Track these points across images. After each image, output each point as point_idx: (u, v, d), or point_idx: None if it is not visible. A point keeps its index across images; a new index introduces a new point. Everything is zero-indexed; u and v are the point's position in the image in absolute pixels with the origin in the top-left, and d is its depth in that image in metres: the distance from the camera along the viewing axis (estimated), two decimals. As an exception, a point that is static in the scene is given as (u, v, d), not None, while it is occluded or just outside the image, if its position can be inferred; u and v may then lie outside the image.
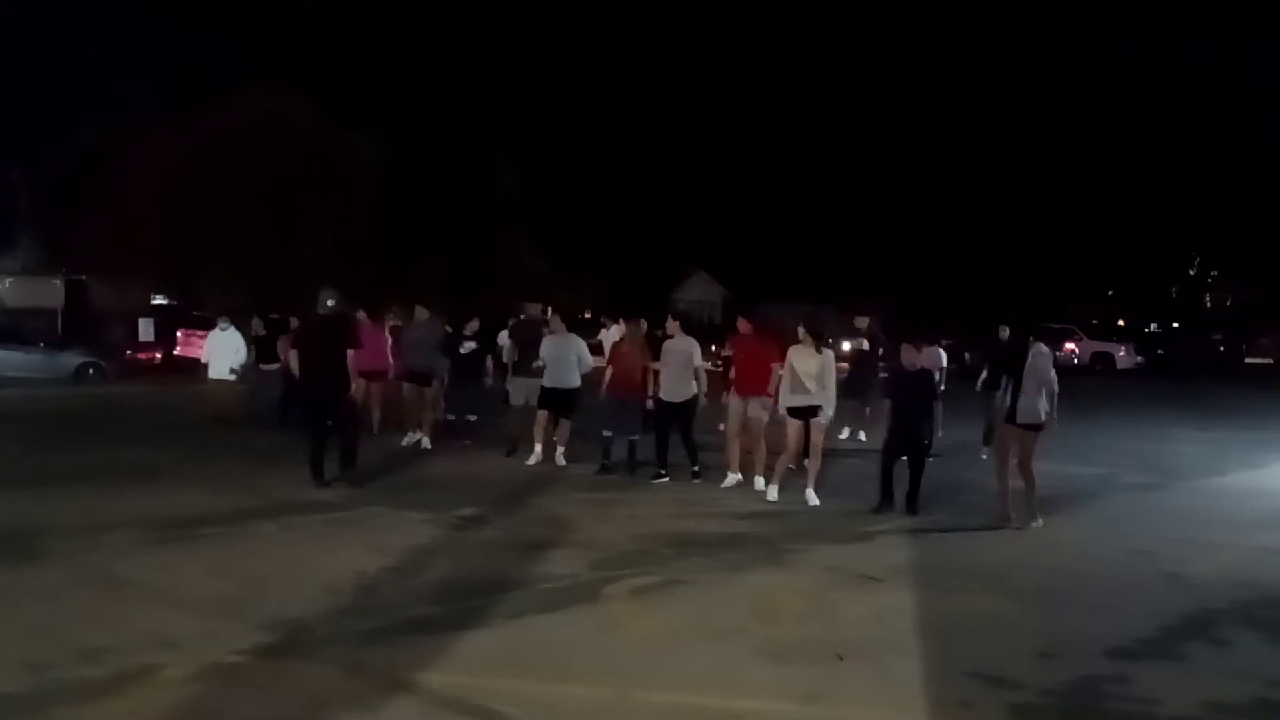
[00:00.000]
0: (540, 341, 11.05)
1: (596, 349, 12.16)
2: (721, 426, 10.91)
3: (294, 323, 12.28)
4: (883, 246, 44.39)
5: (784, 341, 9.40)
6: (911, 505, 8.77)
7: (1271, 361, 37.05)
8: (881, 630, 5.65)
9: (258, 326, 14.24)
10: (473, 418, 12.30)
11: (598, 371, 11.26)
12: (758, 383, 9.61)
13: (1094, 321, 38.46)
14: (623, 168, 44.26)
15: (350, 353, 9.41)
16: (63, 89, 30.55)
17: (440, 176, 35.36)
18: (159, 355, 25.28)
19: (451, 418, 12.32)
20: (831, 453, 10.00)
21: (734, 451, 9.95)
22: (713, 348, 11.88)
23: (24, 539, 7.02)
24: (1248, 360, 37.25)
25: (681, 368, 10.15)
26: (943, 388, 10.84)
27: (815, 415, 9.12)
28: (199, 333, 21.58)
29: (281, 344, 12.82)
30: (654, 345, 10.86)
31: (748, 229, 47.62)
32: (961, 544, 7.92)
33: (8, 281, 29.65)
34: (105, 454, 11.12)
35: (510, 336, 11.88)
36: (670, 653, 5.19)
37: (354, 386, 9.69)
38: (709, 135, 48.65)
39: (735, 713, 4.51)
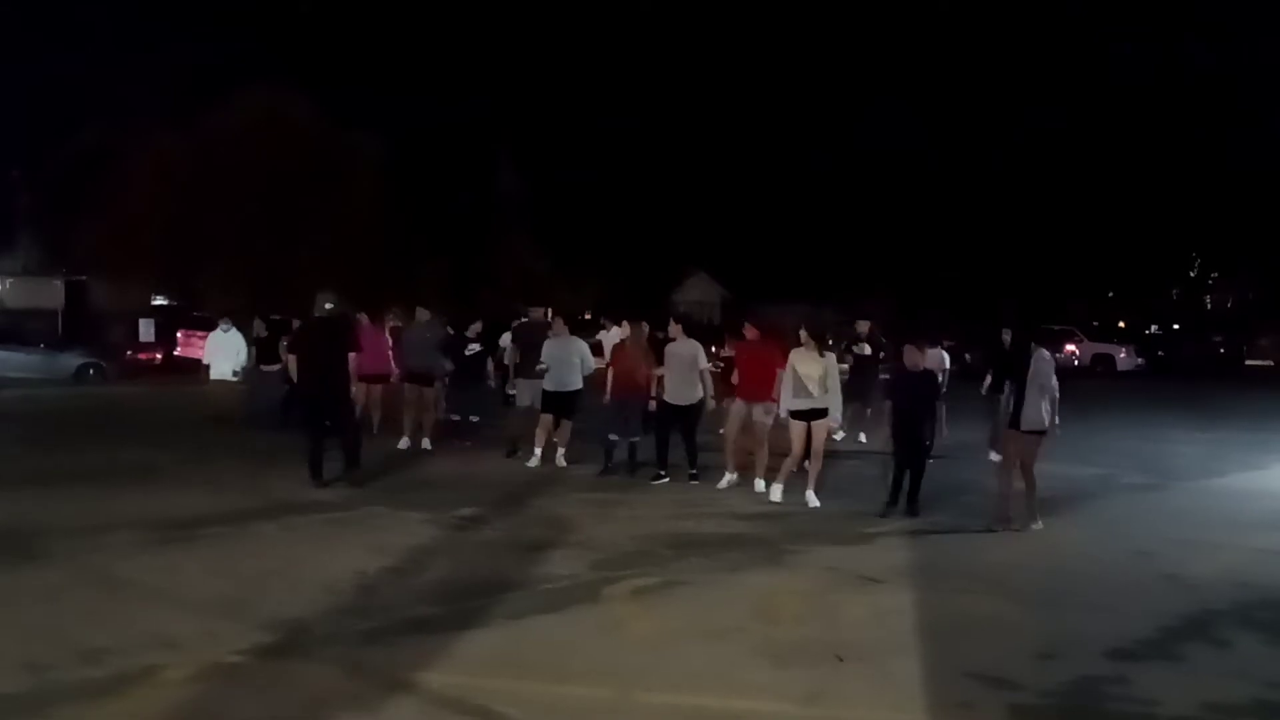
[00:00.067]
0: (542, 344, 11.05)
1: (596, 350, 12.16)
2: (722, 430, 10.91)
3: (295, 324, 12.28)
4: (883, 246, 44.40)
5: (788, 345, 9.39)
6: (912, 507, 8.77)
7: (1272, 363, 37.03)
8: (881, 631, 5.65)
9: (259, 328, 14.24)
10: (474, 419, 12.30)
11: (600, 373, 11.27)
12: (761, 387, 9.61)
13: (1094, 323, 38.49)
14: (623, 168, 44.33)
15: (351, 356, 9.41)
16: (63, 89, 30.60)
17: (440, 176, 35.39)
18: (159, 356, 25.30)
19: (456, 418, 12.32)
20: (832, 454, 9.99)
21: (732, 454, 9.95)
22: (713, 349, 11.86)
23: (24, 539, 7.02)
24: (1248, 362, 37.24)
25: (685, 370, 10.15)
26: (945, 389, 10.84)
27: (818, 418, 9.13)
28: (199, 333, 21.60)
29: (283, 345, 12.83)
30: (655, 347, 10.87)
31: (747, 229, 47.66)
32: (962, 545, 7.92)
33: (8, 282, 29.68)
34: (106, 454, 11.12)
35: (513, 339, 11.89)
36: (670, 653, 5.19)
37: (354, 389, 9.69)
38: (708, 135, 48.73)
39: (735, 713, 4.51)
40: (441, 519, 8.13)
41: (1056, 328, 30.47)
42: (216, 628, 5.33)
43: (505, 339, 12.08)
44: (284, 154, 27.30)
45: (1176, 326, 45.58)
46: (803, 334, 9.23)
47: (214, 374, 14.41)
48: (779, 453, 9.46)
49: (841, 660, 5.13)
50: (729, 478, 9.90)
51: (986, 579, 6.86)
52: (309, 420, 9.57)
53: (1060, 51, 46.91)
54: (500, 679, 4.74)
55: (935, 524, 8.50)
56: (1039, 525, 8.38)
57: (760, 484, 9.73)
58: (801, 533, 8.05)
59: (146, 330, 26.56)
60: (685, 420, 10.24)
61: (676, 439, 10.24)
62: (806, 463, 9.23)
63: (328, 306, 9.66)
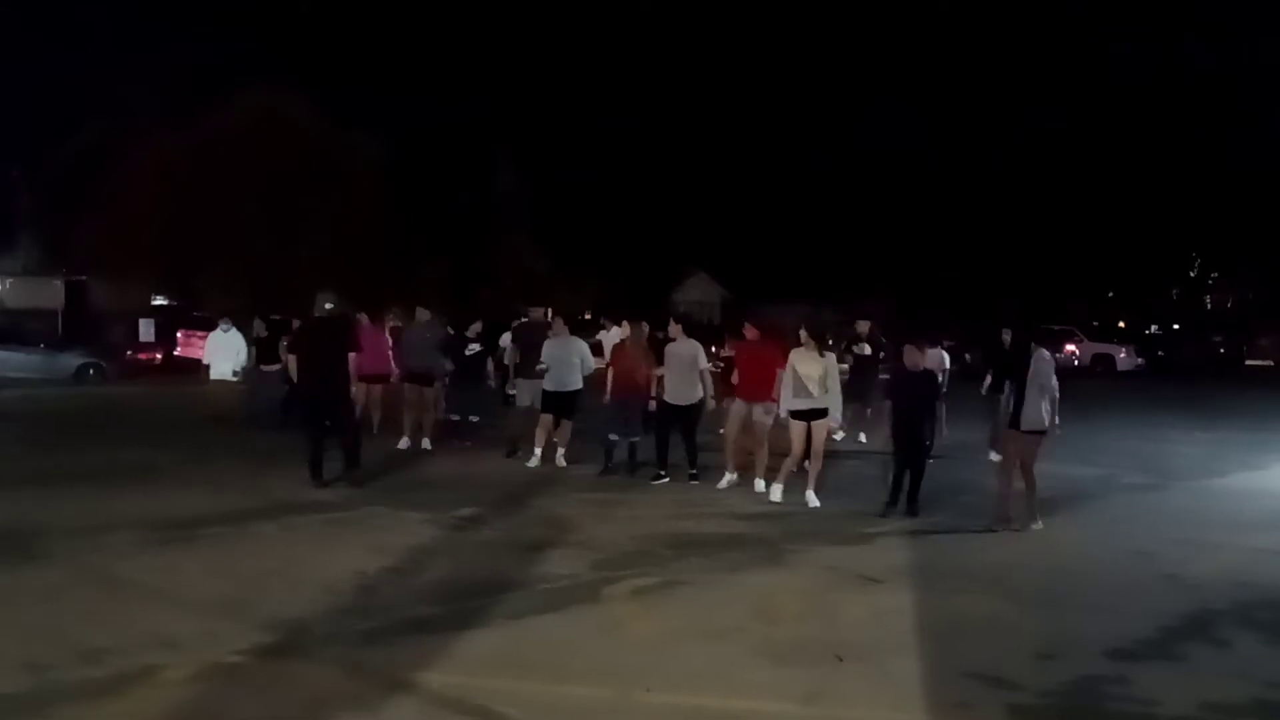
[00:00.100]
0: (542, 344, 11.05)
1: (595, 350, 12.16)
2: (722, 430, 10.91)
3: (296, 324, 12.28)
4: (883, 246, 44.38)
5: (788, 345, 9.39)
6: (912, 507, 8.77)
7: (1272, 363, 37.02)
8: (881, 631, 5.65)
9: (259, 328, 14.24)
10: (474, 419, 12.31)
11: (599, 373, 11.28)
12: (762, 387, 9.61)
13: (1094, 323, 38.48)
14: (623, 168, 44.31)
15: (352, 356, 9.41)
16: (63, 89, 30.60)
17: (440, 176, 35.39)
18: (159, 356, 25.29)
19: (456, 418, 12.33)
20: (832, 455, 9.99)
21: (732, 454, 9.94)
22: (713, 349, 11.86)
23: (24, 539, 7.03)
24: (1248, 362, 37.24)
25: (686, 370, 10.15)
26: (945, 389, 10.85)
27: (818, 418, 9.13)
28: (199, 333, 21.60)
29: (283, 345, 12.83)
30: (655, 347, 10.87)
31: (747, 229, 47.65)
32: (961, 545, 7.92)
33: (8, 282, 29.68)
34: (105, 454, 11.12)
35: (513, 339, 11.89)
36: (670, 653, 5.19)
37: (354, 389, 9.69)
38: (708, 135, 48.72)
39: (735, 713, 4.52)
40: (441, 519, 8.13)
41: (1056, 328, 30.47)
42: (216, 628, 5.33)
43: (505, 339, 12.09)
44: (284, 154, 27.30)
45: (1176, 326, 45.58)
46: (803, 334, 9.23)
47: (214, 374, 14.41)
48: (779, 453, 9.46)
49: (841, 660, 5.13)
50: (729, 478, 9.91)
51: (986, 579, 6.86)
52: (309, 420, 9.58)
53: (1060, 51, 46.97)
54: (500, 679, 4.74)
55: (935, 524, 8.50)
56: (1039, 525, 8.38)
57: (760, 484, 9.73)
58: (801, 533, 8.05)
59: (146, 330, 26.56)
60: (685, 420, 10.24)
61: (676, 439, 10.24)
62: (806, 463, 9.24)
63: (328, 306, 9.66)
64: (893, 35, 48.63)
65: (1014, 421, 8.37)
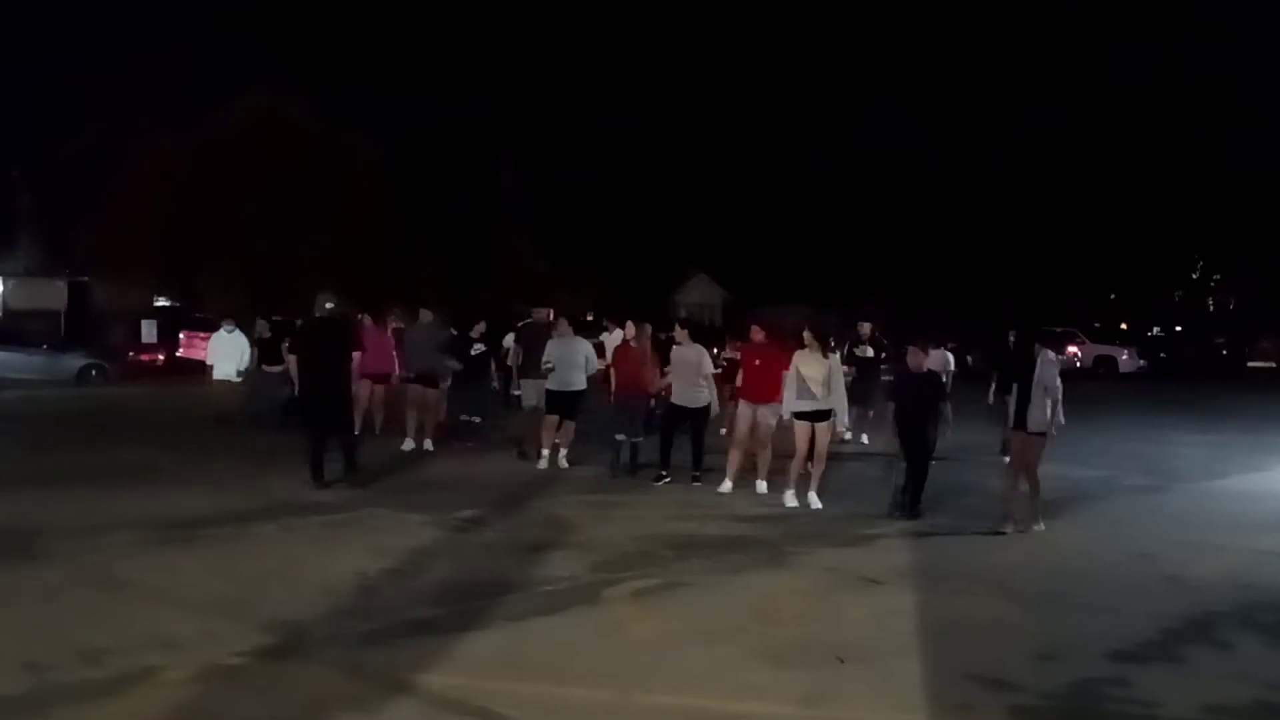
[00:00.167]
0: (545, 344, 11.05)
1: (598, 351, 12.16)
2: (723, 431, 10.91)
3: (299, 324, 12.27)
4: (883, 247, 44.31)
5: (794, 347, 9.37)
6: (914, 508, 8.76)
7: (1274, 365, 36.97)
8: (882, 633, 5.65)
9: (263, 328, 14.23)
10: (476, 419, 12.31)
11: (601, 373, 11.28)
12: (768, 389, 9.59)
13: (1096, 324, 38.45)
14: (623, 168, 44.24)
15: (355, 355, 9.41)
16: (63, 89, 30.59)
17: (440, 176, 35.37)
18: (161, 357, 25.27)
19: (464, 418, 12.33)
20: (834, 457, 9.98)
21: (735, 460, 9.88)
22: (714, 350, 11.86)
23: (25, 539, 7.02)
24: (1250, 364, 37.22)
25: (691, 374, 10.16)
26: (949, 389, 10.83)
27: (821, 419, 9.12)
28: (201, 334, 21.56)
29: (285, 346, 12.82)
30: (658, 348, 10.87)
31: (748, 230, 47.57)
32: (963, 547, 7.92)
33: (10, 283, 29.68)
34: (106, 455, 11.12)
35: (516, 339, 11.90)
36: (671, 655, 5.18)
37: (355, 389, 9.68)
38: (708, 136, 48.61)
39: (735, 715, 4.51)
40: (442, 520, 8.12)
41: (1059, 329, 30.46)
42: (216, 628, 5.33)
43: (509, 339, 12.10)
44: (284, 154, 27.31)
45: (1179, 328, 45.54)
46: (807, 335, 9.22)
47: (217, 374, 14.38)
48: (782, 455, 9.45)
49: (842, 662, 5.12)
50: (726, 484, 9.82)
51: (987, 581, 6.85)
52: (309, 421, 9.57)
53: (1060, 51, 46.86)
54: (501, 680, 4.74)
55: (936, 526, 8.49)
56: (1040, 527, 8.37)
57: (762, 485, 9.72)
58: (803, 534, 8.05)
59: (149, 331, 26.51)
60: (694, 421, 10.23)
61: (679, 441, 10.23)
62: (809, 464, 9.23)
63: (328, 306, 9.66)
64: (893, 35, 48.60)
65: (1019, 422, 8.37)
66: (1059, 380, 8.40)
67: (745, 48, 53.40)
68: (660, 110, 47.40)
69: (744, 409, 9.82)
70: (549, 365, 10.76)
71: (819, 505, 9.07)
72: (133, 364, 23.45)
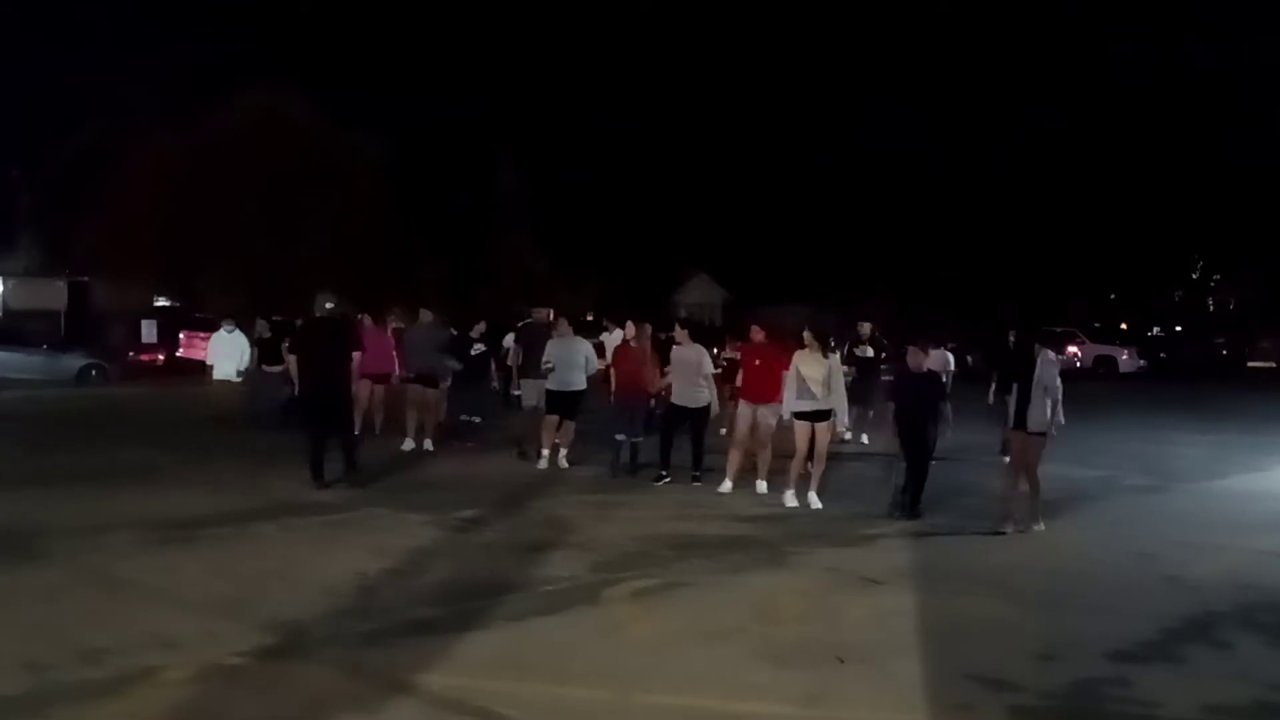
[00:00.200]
0: (545, 344, 11.05)
1: (597, 351, 12.17)
2: (723, 431, 10.90)
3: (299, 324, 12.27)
4: (883, 246, 44.30)
5: (794, 346, 9.37)
6: (914, 508, 8.76)
7: (1274, 365, 36.96)
8: (882, 633, 5.65)
9: (263, 328, 14.23)
10: (476, 419, 12.31)
11: (602, 373, 11.28)
12: (768, 389, 9.58)
13: (1096, 324, 38.45)
14: (623, 168, 44.22)
15: (355, 355, 9.41)
16: (63, 89, 30.59)
17: (440, 176, 35.37)
18: (161, 357, 25.28)
19: (464, 418, 12.33)
20: (834, 457, 9.98)
21: (736, 460, 9.88)
22: (714, 350, 11.87)
23: (24, 539, 7.02)
24: (1250, 364, 37.21)
25: (692, 375, 10.16)
26: (949, 388, 10.83)
27: (821, 419, 9.12)
28: (201, 334, 21.57)
29: (285, 346, 12.82)
30: (658, 348, 10.88)
31: (748, 230, 47.56)
32: (963, 547, 7.92)
33: (11, 283, 29.68)
34: (106, 455, 11.12)
35: (516, 339, 11.90)
36: (671, 655, 5.18)
37: (355, 389, 9.68)
38: (709, 136, 48.58)
39: (735, 715, 4.51)
40: (442, 520, 8.12)
41: (1059, 329, 30.46)
42: (216, 628, 5.33)
43: (509, 339, 12.10)
44: (284, 154, 27.32)
45: (1179, 328, 45.53)
46: (807, 335, 9.22)
47: (217, 374, 14.38)
48: (782, 455, 9.45)
49: (842, 662, 5.12)
50: (726, 484, 9.82)
51: (987, 581, 6.85)
52: (309, 421, 9.57)
53: (1060, 51, 46.83)
54: (501, 680, 4.74)
55: (936, 526, 8.49)
56: (1040, 527, 8.37)
57: (762, 485, 9.72)
58: (803, 534, 8.04)
59: (149, 331, 26.52)
60: (694, 421, 10.23)
61: (679, 441, 10.23)
62: (809, 464, 9.23)
63: (328, 306, 9.66)
64: (893, 35, 48.57)
65: (1019, 422, 8.37)
66: (1059, 380, 8.40)
67: (745, 48, 53.39)
68: (660, 110, 47.39)
69: (744, 409, 9.82)
70: (549, 365, 10.76)
71: (819, 505, 9.07)
72: (133, 364, 23.45)
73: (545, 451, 10.90)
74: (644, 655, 5.17)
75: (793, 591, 6.55)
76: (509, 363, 11.97)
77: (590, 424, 11.28)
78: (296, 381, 9.81)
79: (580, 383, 10.92)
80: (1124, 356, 31.62)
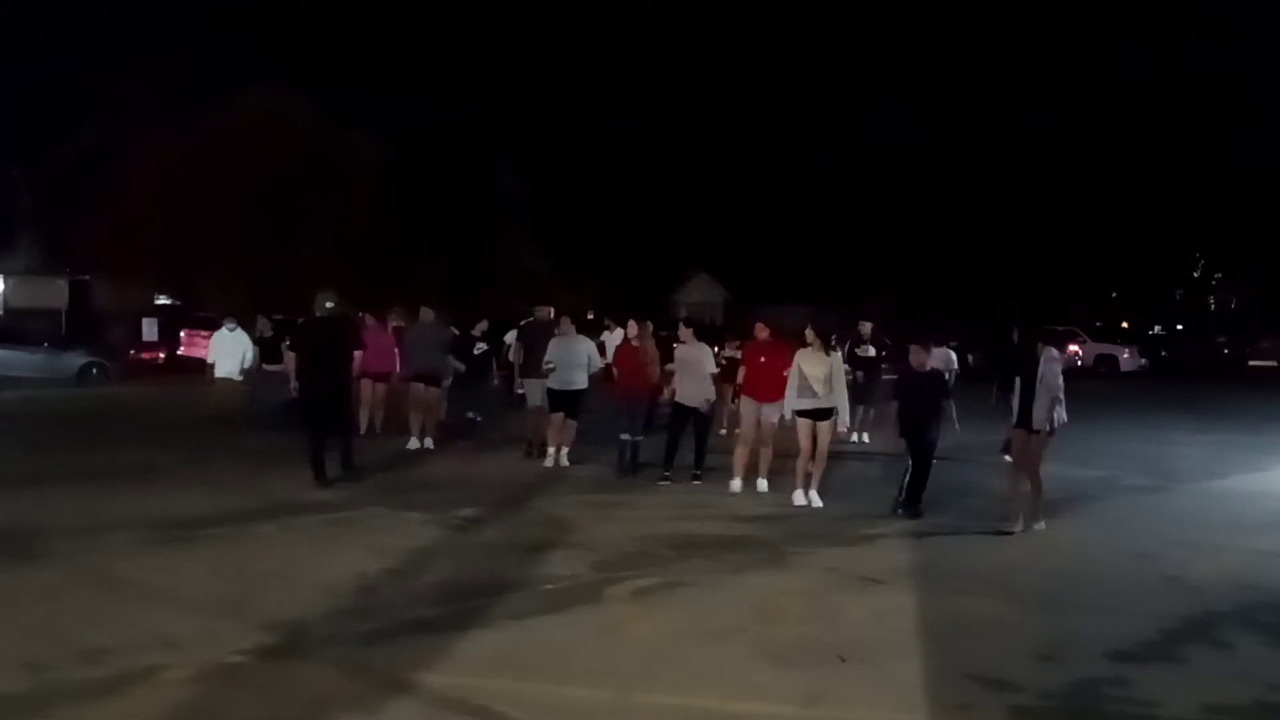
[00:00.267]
0: (547, 343, 11.06)
1: (599, 350, 12.19)
2: (723, 430, 10.90)
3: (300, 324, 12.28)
4: (883, 246, 44.31)
5: (798, 345, 9.37)
6: (914, 508, 8.76)
7: (1275, 364, 36.97)
8: (883, 632, 5.65)
9: (264, 327, 14.22)
10: (477, 418, 12.31)
11: (603, 373, 11.29)
12: (772, 387, 9.58)
13: (1097, 324, 38.45)
14: (623, 168, 44.22)
15: (356, 354, 9.42)
16: (63, 89, 30.62)
17: (440, 176, 35.39)
18: (162, 356, 25.29)
19: (467, 416, 12.33)
20: (835, 456, 9.98)
21: (743, 457, 9.86)
22: (715, 349, 11.87)
23: (24, 539, 7.03)
24: (1251, 363, 37.20)
25: (696, 373, 10.16)
26: (952, 385, 10.82)
27: (823, 418, 9.12)
28: (202, 333, 21.58)
29: (285, 345, 12.82)
30: (660, 347, 10.90)
31: (748, 230, 47.57)
32: (963, 547, 7.91)
33: (11, 282, 29.69)
34: (107, 454, 11.13)
35: (518, 337, 11.91)
36: (671, 654, 5.18)
37: (356, 388, 9.69)
38: (709, 136, 48.57)
39: (736, 714, 4.51)
40: (442, 520, 8.13)
41: (1060, 328, 30.44)
42: (216, 628, 5.33)
43: (509, 337, 12.11)
44: (284, 154, 27.33)
45: (1180, 327, 45.52)
46: (809, 334, 9.22)
47: (218, 372, 14.36)
48: (783, 454, 9.45)
49: (843, 661, 5.12)
50: (736, 483, 9.79)
51: (988, 580, 6.85)
52: (309, 420, 9.57)
53: (1060, 51, 46.82)
54: (501, 680, 4.74)
55: (937, 525, 8.49)
56: (1041, 526, 8.37)
57: (763, 484, 9.72)
58: (803, 534, 8.04)
59: (150, 330, 26.54)
60: (698, 421, 10.23)
61: (682, 441, 10.23)
62: (810, 463, 9.23)
63: (328, 306, 9.66)
64: (893, 35, 48.57)
65: (1022, 421, 8.37)
66: (1061, 378, 8.39)
67: (745, 48, 53.37)
68: (660, 110, 47.39)
69: (749, 406, 9.82)
70: (550, 365, 10.77)
71: (820, 504, 9.07)
72: (133, 362, 23.48)
73: (551, 450, 10.91)
74: (644, 655, 5.17)
75: (793, 591, 6.54)
76: (510, 359, 11.98)
77: (592, 423, 11.28)
78: (294, 380, 9.81)
79: (582, 382, 10.92)
80: (1125, 355, 31.63)
